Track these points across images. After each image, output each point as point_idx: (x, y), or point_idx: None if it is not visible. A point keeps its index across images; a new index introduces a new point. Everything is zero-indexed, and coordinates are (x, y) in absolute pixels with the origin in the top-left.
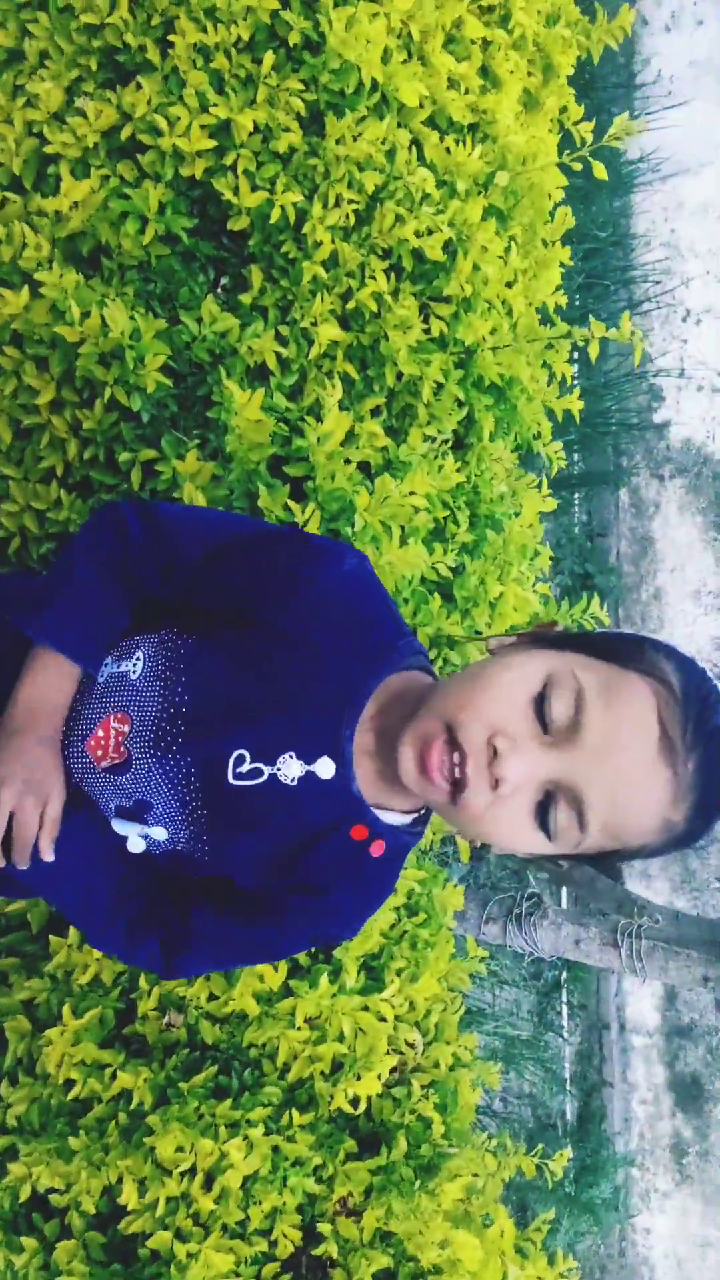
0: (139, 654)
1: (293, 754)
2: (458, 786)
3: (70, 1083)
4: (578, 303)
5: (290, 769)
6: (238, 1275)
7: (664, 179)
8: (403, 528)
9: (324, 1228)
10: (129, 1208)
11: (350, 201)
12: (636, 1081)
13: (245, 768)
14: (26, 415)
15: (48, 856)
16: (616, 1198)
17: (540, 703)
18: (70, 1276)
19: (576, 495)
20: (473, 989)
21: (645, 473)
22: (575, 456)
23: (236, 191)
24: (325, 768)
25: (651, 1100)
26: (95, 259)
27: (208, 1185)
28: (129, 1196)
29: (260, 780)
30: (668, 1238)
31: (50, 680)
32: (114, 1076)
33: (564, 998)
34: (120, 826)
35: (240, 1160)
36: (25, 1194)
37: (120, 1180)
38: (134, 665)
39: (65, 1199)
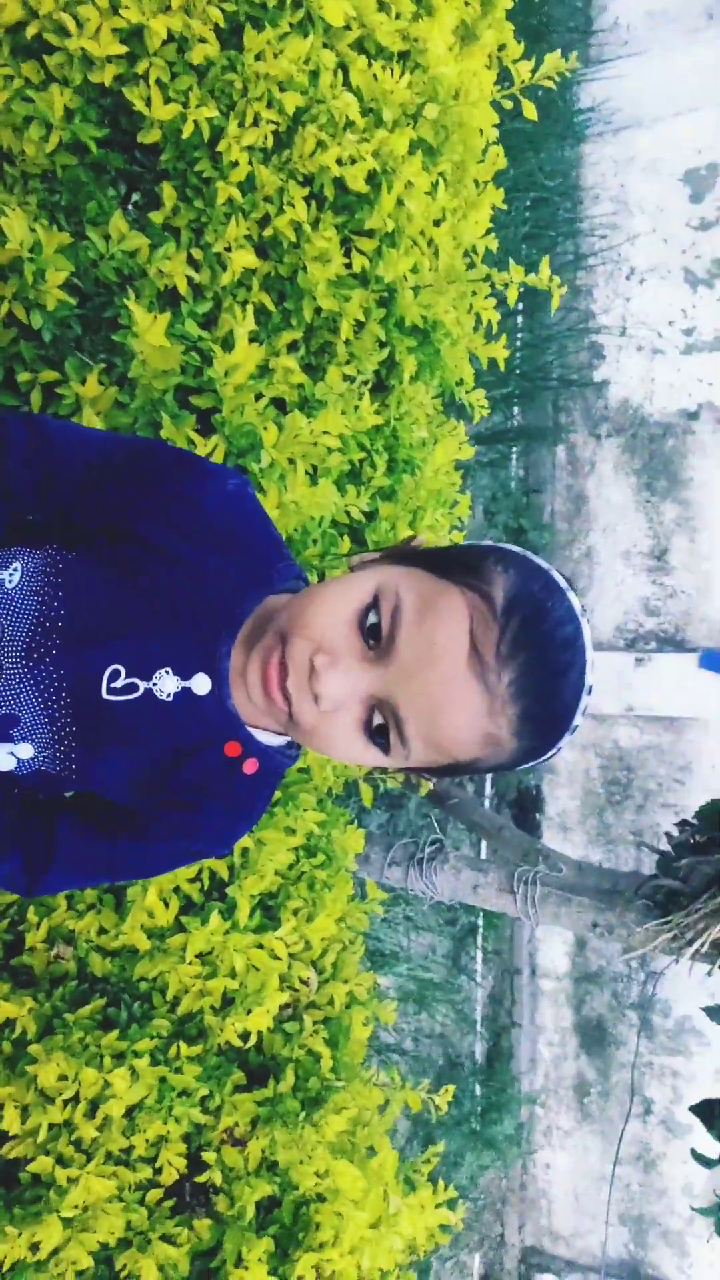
0: (16, 564)
1: (169, 670)
2: (288, 701)
3: None
4: (524, 251)
5: (166, 684)
6: (121, 1200)
7: (616, 131)
8: (314, 468)
9: (209, 1156)
10: (10, 1133)
11: (270, 122)
12: (544, 1024)
13: (120, 682)
14: None
15: None
16: (520, 1134)
17: (364, 618)
18: None
19: (514, 449)
20: (387, 932)
21: (583, 430)
22: (515, 410)
23: (149, 103)
24: (201, 684)
25: (558, 1042)
26: None
27: (91, 1113)
28: (10, 1122)
29: (135, 695)
30: (567, 1173)
31: None
32: None
33: (478, 943)
34: None
35: (124, 1089)
36: None
37: (1, 1107)
38: (10, 575)
39: None
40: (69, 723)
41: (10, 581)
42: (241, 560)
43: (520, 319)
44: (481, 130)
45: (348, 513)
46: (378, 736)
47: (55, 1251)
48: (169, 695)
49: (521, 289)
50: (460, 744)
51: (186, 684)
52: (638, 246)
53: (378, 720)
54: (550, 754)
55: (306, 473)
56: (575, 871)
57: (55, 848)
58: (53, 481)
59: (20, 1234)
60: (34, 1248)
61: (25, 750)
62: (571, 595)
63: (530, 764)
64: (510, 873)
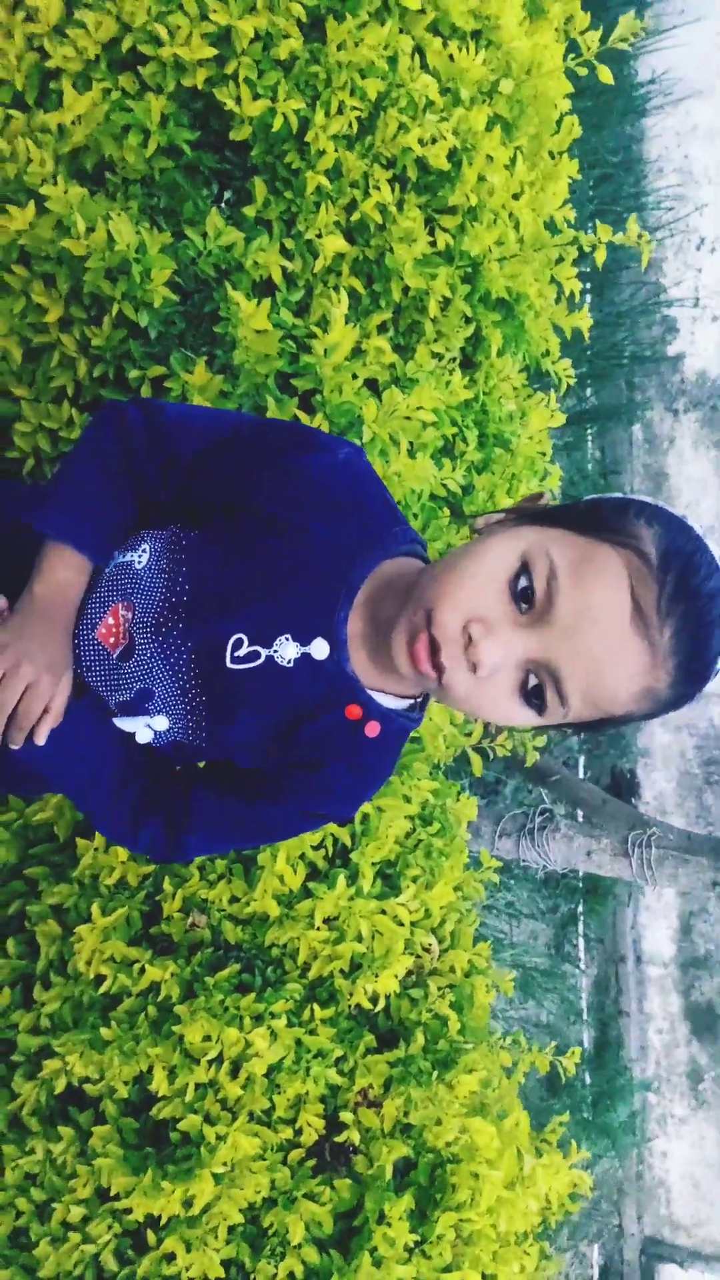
0: (145, 546)
1: (288, 636)
2: (440, 671)
3: (100, 978)
4: (591, 228)
5: (286, 650)
6: (264, 1160)
7: (676, 102)
8: (411, 443)
9: (346, 1117)
10: (159, 1094)
11: (353, 109)
12: (653, 1011)
13: (243, 651)
14: (36, 334)
15: (40, 740)
16: (633, 1122)
17: (515, 584)
18: (106, 1159)
19: (590, 431)
20: (490, 919)
21: (659, 407)
22: (588, 391)
23: (238, 101)
24: (320, 649)
25: (668, 1029)
26: (99, 174)
27: (234, 1073)
28: (159, 1084)
29: (258, 663)
30: (684, 1161)
31: (60, 575)
32: (142, 971)
33: (580, 930)
34: (124, 723)
35: (265, 1049)
36: (61, 1086)
37: (150, 1069)
38: (139, 556)
39: (99, 1088)
40: (199, 693)
41: (140, 563)
42: (355, 526)
43: (589, 298)
44: (555, 103)
45: (445, 486)
46: (533, 699)
47: (207, 1208)
48: (289, 661)
49: (590, 265)
50: (620, 699)
51: (306, 649)
52: (706, 216)
53: (533, 683)
54: (694, 702)
55: (405, 448)
56: (684, 839)
57: (192, 812)
58: (173, 464)
59: (174, 1190)
60: (187, 1204)
61: (161, 722)
62: (713, 546)
63: (673, 710)
64: (623, 838)
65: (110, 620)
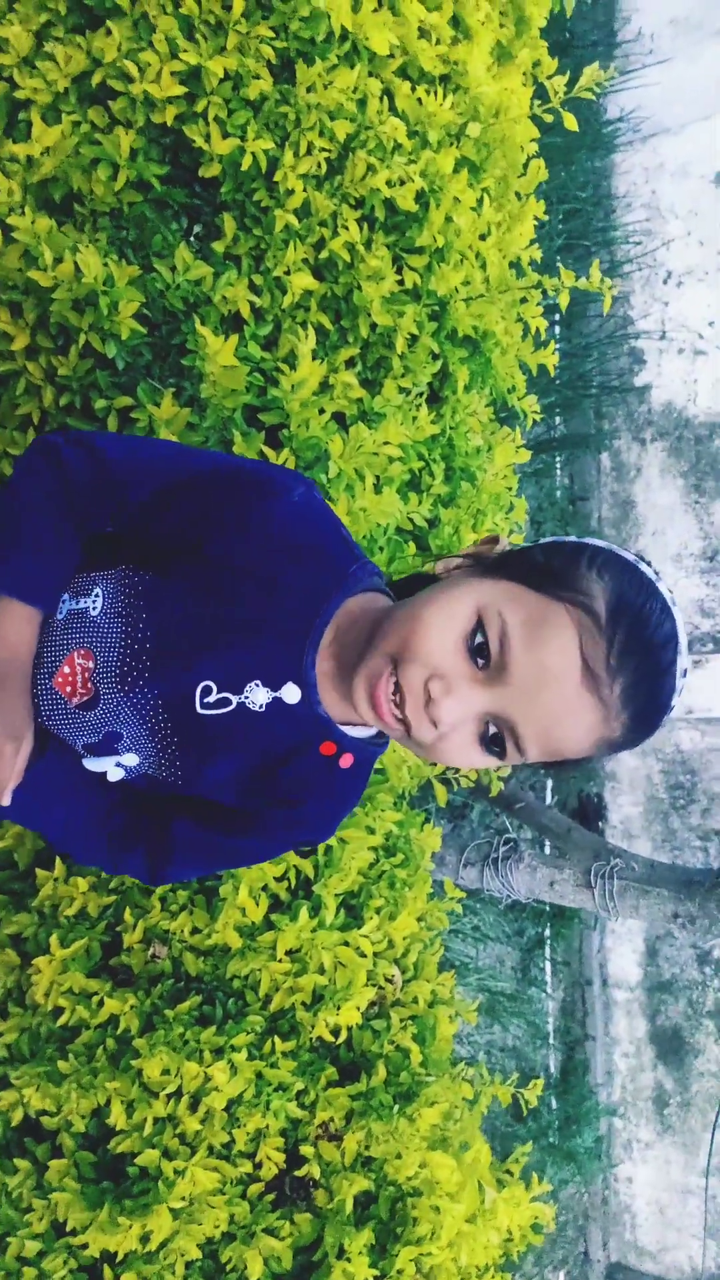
0: (97, 590)
1: (258, 682)
2: (405, 725)
3: (59, 1010)
4: (558, 263)
5: (257, 696)
6: (223, 1194)
7: (644, 139)
8: (377, 477)
9: (306, 1150)
10: (118, 1128)
11: (322, 150)
12: (619, 1035)
13: (213, 697)
14: (2, 362)
15: (5, 801)
16: (599, 1147)
17: (472, 640)
18: (62, 1193)
19: (558, 459)
20: (456, 943)
21: (626, 436)
22: (556, 420)
23: (208, 139)
24: (291, 693)
25: (633, 1053)
26: (68, 205)
27: (193, 1107)
28: (117, 1117)
29: (228, 709)
30: (649, 1186)
31: (15, 629)
32: (101, 1004)
33: (547, 954)
34: (93, 764)
35: (225, 1083)
36: (17, 1118)
37: (109, 1102)
38: (93, 602)
39: (56, 1121)
40: (169, 734)
41: (94, 609)
42: (316, 568)
43: (558, 329)
44: (522, 146)
45: (411, 519)
46: (493, 745)
47: (164, 1243)
48: (261, 706)
49: (555, 299)
50: (575, 748)
51: (277, 694)
52: (673, 251)
53: (493, 730)
54: (651, 736)
55: (371, 482)
56: (648, 868)
57: (173, 843)
58: (123, 507)
59: (131, 1226)
60: (144, 1239)
61: (131, 759)
62: (662, 586)
63: (632, 748)
64: (586, 869)
65: (67, 669)
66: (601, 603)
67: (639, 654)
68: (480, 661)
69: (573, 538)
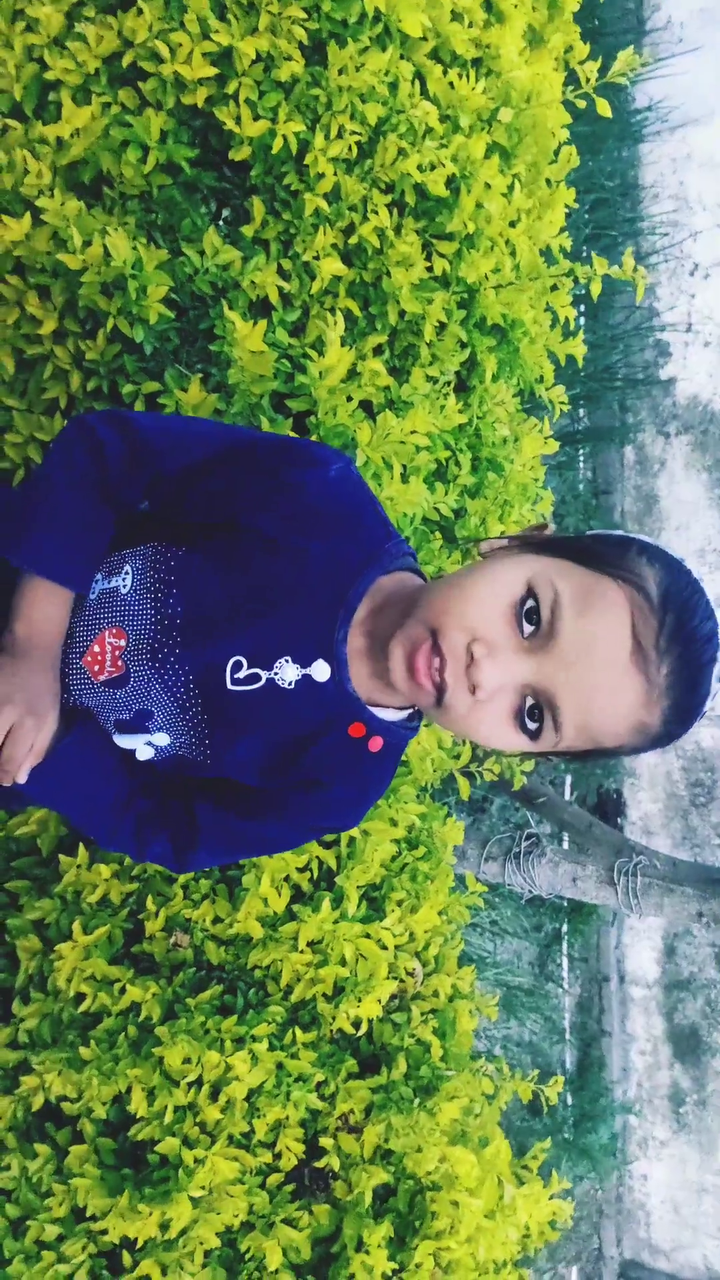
0: (127, 568)
1: (288, 658)
2: (440, 690)
3: (81, 996)
4: (584, 253)
5: (287, 673)
6: (243, 1184)
7: (673, 129)
8: (404, 466)
9: (326, 1142)
10: (138, 1115)
11: (353, 133)
12: (635, 1032)
13: (243, 673)
14: (30, 346)
15: (21, 779)
16: (614, 1144)
17: (520, 608)
18: (82, 1179)
19: (581, 452)
20: (474, 937)
21: (651, 429)
22: (581, 412)
23: (238, 121)
24: (320, 670)
25: (650, 1051)
26: (97, 188)
27: (214, 1096)
28: (138, 1105)
29: (258, 685)
30: (664, 1184)
31: (43, 609)
32: (123, 991)
33: (564, 949)
34: (123, 740)
35: (245, 1073)
36: (38, 1103)
37: (130, 1089)
38: (123, 580)
39: (77, 1107)
40: (199, 711)
41: (125, 587)
42: (349, 544)
43: (584, 320)
44: (553, 132)
45: (437, 509)
46: (528, 722)
47: (184, 1231)
48: (290, 683)
49: (584, 290)
50: (613, 731)
51: (306, 671)
52: (700, 242)
53: (530, 703)
54: (678, 740)
55: (398, 471)
56: (671, 866)
57: (198, 828)
58: (157, 482)
59: (151, 1213)
60: (163, 1227)
61: (162, 739)
62: (706, 585)
63: (658, 748)
64: (609, 865)
65: (96, 648)
66: (654, 585)
67: (685, 642)
68: (528, 629)
69: (618, 531)
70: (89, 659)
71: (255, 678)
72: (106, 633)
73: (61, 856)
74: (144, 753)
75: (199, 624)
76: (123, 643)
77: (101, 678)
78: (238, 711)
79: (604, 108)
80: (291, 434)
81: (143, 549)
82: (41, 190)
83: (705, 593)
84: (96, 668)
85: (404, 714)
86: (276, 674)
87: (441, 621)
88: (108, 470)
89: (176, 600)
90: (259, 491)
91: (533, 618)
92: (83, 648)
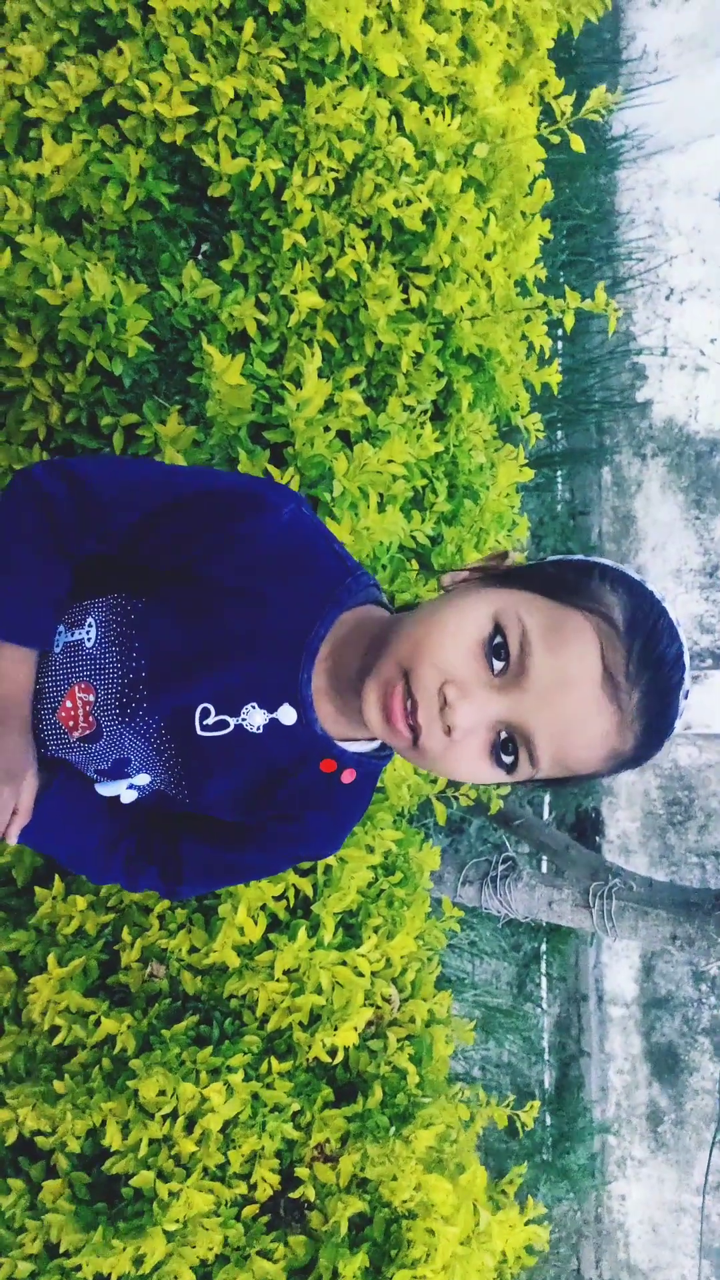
0: (90, 620)
1: (255, 704)
2: (416, 733)
3: (55, 1029)
4: (561, 279)
5: (254, 718)
6: (218, 1216)
7: (648, 156)
8: (381, 495)
9: (302, 1172)
10: (112, 1149)
11: (330, 170)
12: (614, 1051)
13: (211, 720)
14: (9, 378)
15: (12, 842)
16: (593, 1164)
17: (489, 646)
18: (57, 1214)
19: (559, 473)
20: (452, 958)
21: (628, 451)
22: (558, 434)
23: (217, 158)
24: (287, 714)
25: (628, 1070)
26: (77, 223)
27: (189, 1128)
28: (112, 1138)
29: (227, 731)
30: (643, 1204)
31: (8, 670)
32: (98, 1023)
33: (543, 969)
34: (106, 789)
35: (221, 1104)
36: (11, 1137)
37: (104, 1123)
38: (87, 633)
39: (51, 1141)
40: (174, 755)
41: (89, 640)
42: (306, 585)
43: (561, 345)
44: (528, 166)
45: (414, 537)
46: (503, 757)
47: (158, 1266)
48: (258, 728)
49: (561, 315)
50: (588, 759)
51: (273, 715)
52: (675, 267)
53: (504, 736)
54: (652, 758)
55: (375, 501)
56: (645, 887)
57: (182, 863)
58: (108, 537)
59: (125, 1248)
60: (137, 1262)
61: (143, 778)
62: (669, 610)
63: (628, 769)
64: (585, 888)
65: (68, 704)
66: (619, 613)
67: (654, 667)
68: (497, 666)
69: (580, 556)
70: (63, 715)
71: (224, 724)
72: (76, 688)
73: (37, 888)
74: (127, 796)
75: (162, 676)
76: (91, 698)
77: (76, 734)
78: (209, 755)
79: (578, 144)
80: (269, 466)
81: (104, 600)
82: (22, 226)
83: (669, 614)
84: (71, 723)
85: (375, 743)
86: (244, 719)
87: (412, 663)
88: (57, 523)
89: (139, 653)
90: (211, 543)
91: (501, 654)
92: (54, 703)
